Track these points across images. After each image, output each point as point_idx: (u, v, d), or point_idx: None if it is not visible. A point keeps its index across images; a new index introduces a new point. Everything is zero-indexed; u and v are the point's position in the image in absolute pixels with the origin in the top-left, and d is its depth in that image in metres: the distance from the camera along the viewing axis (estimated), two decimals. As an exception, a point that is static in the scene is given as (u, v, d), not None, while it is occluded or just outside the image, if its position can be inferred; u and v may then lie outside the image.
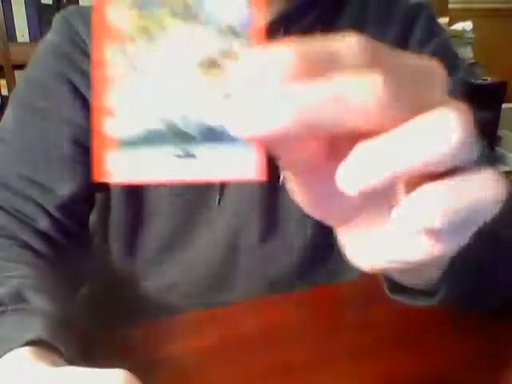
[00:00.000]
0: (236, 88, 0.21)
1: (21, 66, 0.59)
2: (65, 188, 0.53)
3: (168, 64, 0.26)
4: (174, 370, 0.43)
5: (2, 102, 1.88)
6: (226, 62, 0.26)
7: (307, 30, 0.57)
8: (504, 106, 1.91)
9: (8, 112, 0.56)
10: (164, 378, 0.42)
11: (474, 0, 2.53)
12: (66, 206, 0.53)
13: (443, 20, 1.90)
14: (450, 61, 0.60)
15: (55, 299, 0.41)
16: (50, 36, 0.58)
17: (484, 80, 1.96)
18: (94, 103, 0.25)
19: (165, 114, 0.26)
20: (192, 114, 0.26)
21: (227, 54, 0.26)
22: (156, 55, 0.26)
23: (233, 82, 0.21)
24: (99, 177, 0.25)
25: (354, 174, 0.20)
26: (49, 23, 0.59)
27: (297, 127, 0.19)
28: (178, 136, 0.26)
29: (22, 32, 1.83)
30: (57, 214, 0.53)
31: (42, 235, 0.52)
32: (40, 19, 1.83)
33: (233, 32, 0.26)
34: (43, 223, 0.52)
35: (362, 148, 0.20)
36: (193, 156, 0.26)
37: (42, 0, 1.83)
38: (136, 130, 0.26)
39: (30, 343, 0.34)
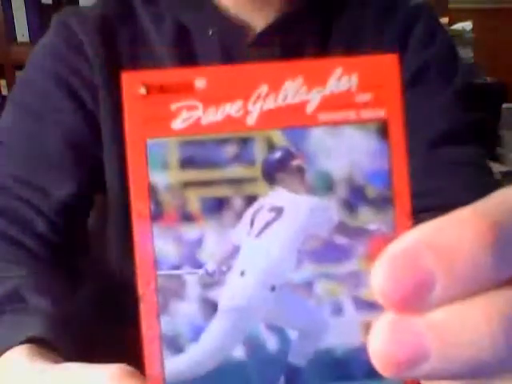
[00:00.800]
0: (388, 294, 0.14)
1: (21, 66, 0.59)
2: (62, 190, 0.53)
3: (258, 254, 0.18)
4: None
5: (2, 102, 1.88)
6: (346, 242, 0.17)
7: (305, 35, 0.57)
8: (504, 106, 1.91)
9: (5, 114, 0.56)
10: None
11: (474, 0, 2.53)
12: (64, 209, 0.53)
13: (443, 20, 1.90)
14: (452, 63, 0.60)
15: (54, 299, 0.41)
16: (47, 38, 0.58)
17: (484, 80, 1.95)
18: (144, 331, 0.18)
19: (253, 333, 0.17)
20: (299, 332, 0.17)
21: (350, 230, 0.17)
22: (235, 242, 0.18)
23: (377, 283, 0.15)
24: None
25: None
26: (49, 23, 0.59)
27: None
28: (275, 371, 0.17)
29: (22, 32, 1.83)
30: (54, 217, 0.53)
31: (40, 237, 0.52)
32: (40, 19, 1.83)
33: (359, 195, 0.17)
34: (40, 226, 0.52)
35: None
36: None
37: (42, 0, 1.82)
38: (209, 364, 0.17)
39: (29, 341, 0.34)
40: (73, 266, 0.55)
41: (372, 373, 0.15)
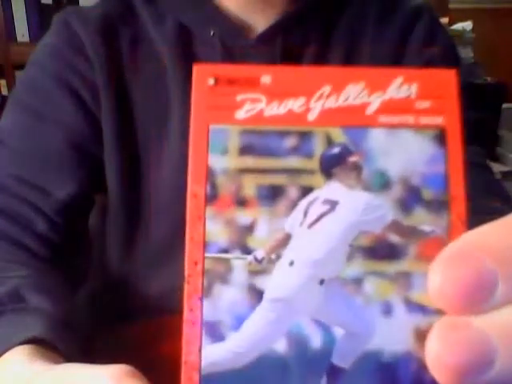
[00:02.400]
0: (449, 294, 0.14)
1: (21, 66, 0.59)
2: (62, 190, 0.53)
3: (309, 245, 0.17)
4: (175, 370, 0.43)
5: (2, 102, 1.88)
6: (399, 241, 0.17)
7: (306, 35, 0.57)
8: (504, 106, 1.91)
9: (6, 114, 0.56)
10: (164, 377, 0.42)
11: (474, 0, 2.53)
12: (64, 208, 0.53)
13: (443, 20, 1.90)
14: (453, 63, 0.60)
15: (54, 299, 0.41)
16: (49, 38, 0.58)
17: (484, 80, 1.95)
18: (186, 314, 0.18)
19: (297, 327, 0.17)
20: (345, 330, 0.17)
21: (404, 229, 0.17)
22: (287, 230, 0.17)
23: (436, 283, 0.14)
24: None
25: None
26: (49, 23, 0.59)
27: None
28: (318, 370, 0.16)
29: (22, 32, 1.83)
30: (55, 217, 0.53)
31: (41, 237, 0.52)
32: (40, 19, 1.83)
33: (415, 196, 0.17)
34: (41, 226, 0.52)
35: None
36: None
37: (42, 0, 1.82)
38: (248, 355, 0.17)
39: (30, 342, 0.34)
40: (73, 265, 0.55)
41: (419, 382, 0.14)
